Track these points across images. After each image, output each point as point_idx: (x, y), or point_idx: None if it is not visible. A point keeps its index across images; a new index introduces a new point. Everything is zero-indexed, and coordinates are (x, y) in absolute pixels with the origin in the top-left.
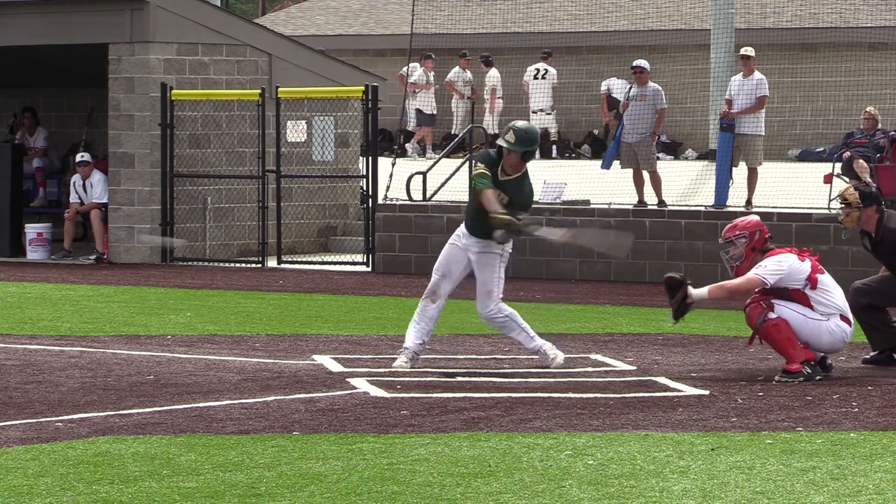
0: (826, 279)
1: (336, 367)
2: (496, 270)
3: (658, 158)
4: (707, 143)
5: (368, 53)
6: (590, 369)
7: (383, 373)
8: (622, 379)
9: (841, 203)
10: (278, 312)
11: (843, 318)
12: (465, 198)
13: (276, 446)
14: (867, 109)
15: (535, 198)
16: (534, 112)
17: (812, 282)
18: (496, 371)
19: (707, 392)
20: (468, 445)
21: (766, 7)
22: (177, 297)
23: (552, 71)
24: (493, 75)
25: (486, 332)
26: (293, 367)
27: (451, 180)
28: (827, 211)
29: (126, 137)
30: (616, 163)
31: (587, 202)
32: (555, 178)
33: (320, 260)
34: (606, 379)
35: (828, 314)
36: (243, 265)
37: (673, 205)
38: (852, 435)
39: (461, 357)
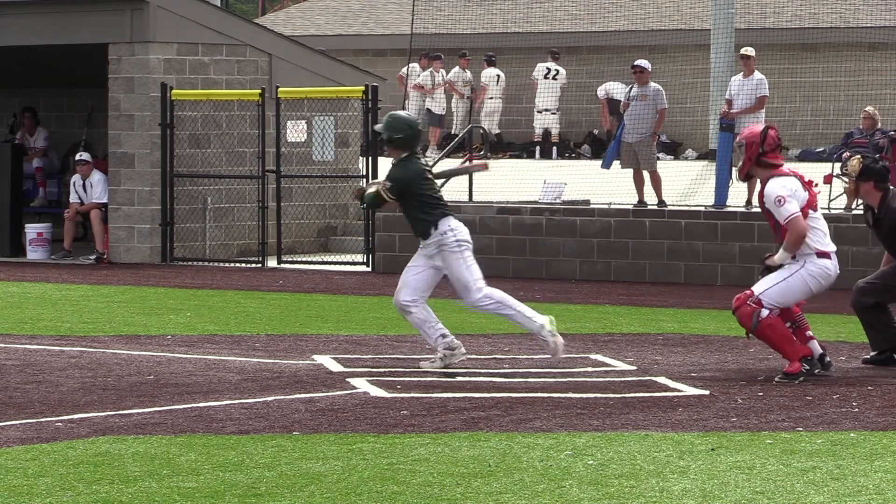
0: (816, 216)
1: (336, 367)
2: (461, 261)
3: (658, 158)
4: (707, 143)
5: (368, 53)
6: (590, 369)
7: (383, 373)
8: (622, 379)
9: (844, 171)
10: (278, 312)
11: (821, 254)
12: (465, 197)
13: (276, 446)
14: (866, 109)
15: (535, 197)
16: (539, 112)
17: (803, 214)
18: (496, 371)
19: (707, 392)
20: (468, 445)
21: (766, 7)
22: (177, 297)
23: (563, 71)
24: (488, 74)
25: (486, 332)
26: (293, 367)
27: (451, 180)
28: (827, 211)
29: (126, 137)
30: (616, 163)
31: (587, 202)
32: (555, 178)
33: (320, 260)
34: (606, 379)
35: (804, 255)
36: (243, 265)
37: (673, 205)
38: (852, 435)
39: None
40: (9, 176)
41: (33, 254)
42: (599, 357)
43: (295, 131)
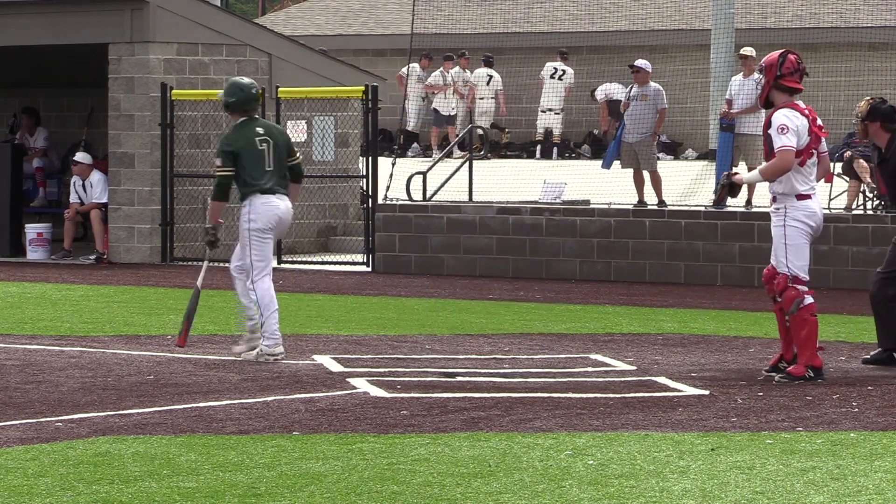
0: (812, 162)
1: (336, 367)
2: (245, 245)
3: (658, 158)
4: (707, 143)
5: (368, 53)
6: (590, 369)
7: (383, 373)
8: (622, 379)
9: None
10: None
11: (800, 196)
12: (465, 198)
13: (276, 446)
14: None
15: (535, 197)
16: (543, 111)
17: (805, 155)
18: (496, 371)
19: (707, 392)
20: (468, 445)
21: (766, 7)
22: (177, 297)
23: (570, 71)
24: (478, 74)
25: (485, 332)
26: (293, 367)
27: (451, 180)
28: (827, 211)
29: (126, 137)
30: (616, 163)
31: (587, 202)
32: (555, 178)
33: (320, 260)
34: (606, 379)
35: (784, 198)
36: None
37: (673, 205)
38: (852, 435)
39: (461, 357)
40: (9, 176)
41: (33, 254)
42: (599, 357)
43: (295, 131)
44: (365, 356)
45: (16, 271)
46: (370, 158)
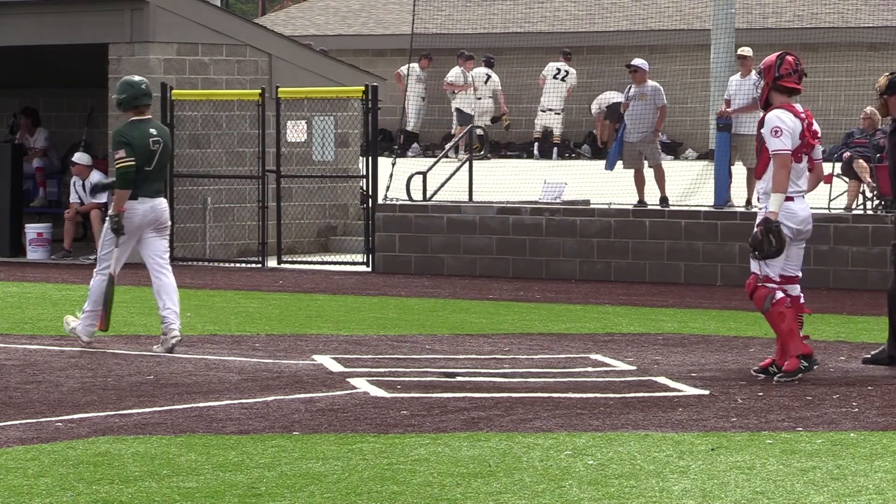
0: (802, 166)
1: (336, 367)
2: (104, 234)
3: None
4: (707, 143)
5: (368, 53)
6: (590, 369)
7: (383, 373)
8: (622, 379)
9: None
10: (278, 312)
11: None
12: (465, 198)
13: (276, 446)
14: (866, 109)
15: (535, 197)
16: (542, 110)
17: (794, 157)
18: (496, 371)
19: (707, 392)
20: (468, 445)
21: (766, 7)
22: None
23: (573, 72)
24: (476, 73)
25: (485, 332)
26: (293, 367)
27: (450, 180)
28: (827, 211)
29: None
30: (619, 163)
31: (587, 202)
32: (555, 178)
33: (320, 260)
34: (606, 379)
35: (768, 196)
36: (243, 265)
37: (673, 205)
38: (852, 435)
39: (461, 357)
40: (9, 176)
41: (33, 254)
42: (599, 357)
43: (295, 131)
44: (365, 356)
45: (16, 271)
46: (370, 158)
